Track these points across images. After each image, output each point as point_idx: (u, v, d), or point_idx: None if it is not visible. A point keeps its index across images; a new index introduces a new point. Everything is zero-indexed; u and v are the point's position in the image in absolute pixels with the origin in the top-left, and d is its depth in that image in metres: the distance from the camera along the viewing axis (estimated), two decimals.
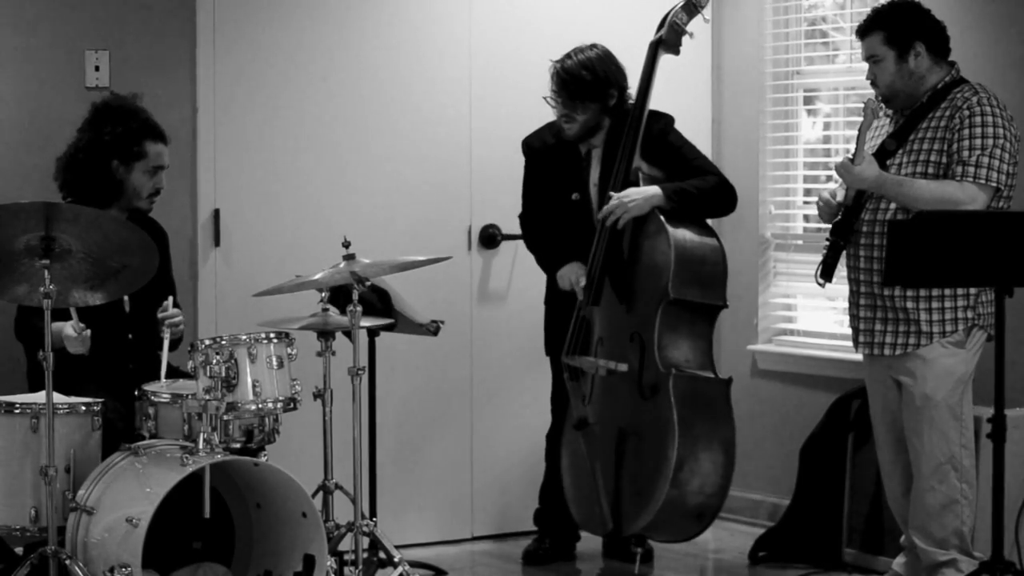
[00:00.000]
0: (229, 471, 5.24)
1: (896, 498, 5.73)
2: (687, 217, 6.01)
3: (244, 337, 5.31)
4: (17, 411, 5.16)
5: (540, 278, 6.42)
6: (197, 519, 5.11)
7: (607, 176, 6.12)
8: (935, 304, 5.45)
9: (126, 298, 5.58)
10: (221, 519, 5.36)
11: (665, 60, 6.12)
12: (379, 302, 5.95)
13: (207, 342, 5.26)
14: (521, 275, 6.81)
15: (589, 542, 6.50)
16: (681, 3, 6.12)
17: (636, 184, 6.03)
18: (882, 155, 5.52)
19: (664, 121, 6.18)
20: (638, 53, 6.15)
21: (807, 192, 6.98)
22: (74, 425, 5.20)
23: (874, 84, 5.57)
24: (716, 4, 6.98)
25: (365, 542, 5.53)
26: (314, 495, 5.42)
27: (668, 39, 6.11)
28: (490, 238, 6.80)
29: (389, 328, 5.92)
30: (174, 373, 5.53)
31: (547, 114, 6.26)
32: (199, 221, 6.35)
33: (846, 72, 6.81)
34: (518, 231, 6.54)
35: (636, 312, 5.99)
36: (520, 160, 6.40)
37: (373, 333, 6.03)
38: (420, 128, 6.68)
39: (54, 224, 4.96)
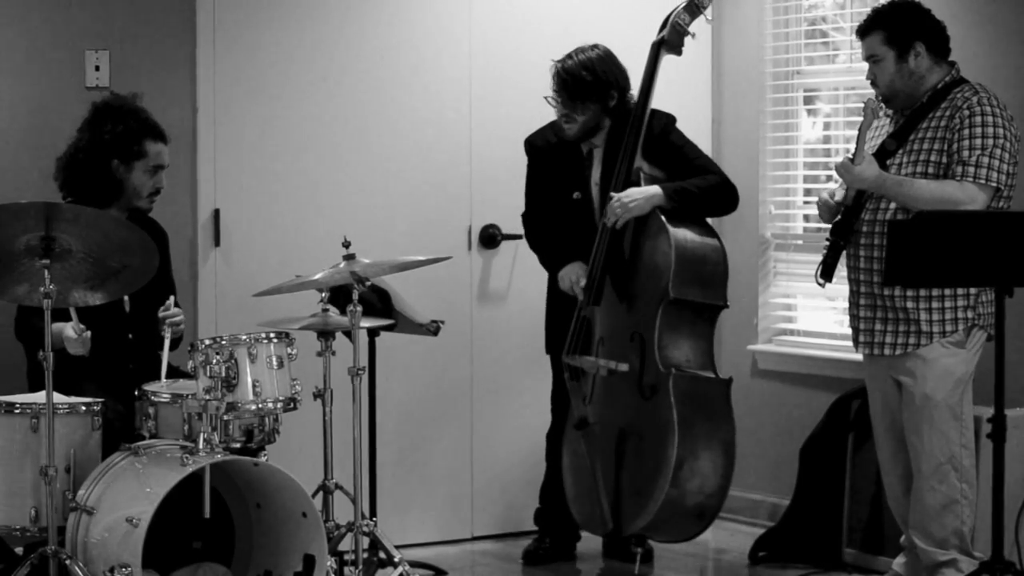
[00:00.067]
0: (229, 471, 5.24)
1: (896, 498, 5.73)
2: (688, 217, 6.01)
3: (244, 337, 5.31)
4: (17, 411, 5.16)
5: (540, 278, 6.42)
6: (197, 519, 5.11)
7: (608, 176, 6.12)
8: (935, 304, 5.45)
9: (126, 298, 5.58)
10: (221, 519, 5.36)
11: (666, 60, 6.12)
12: (379, 302, 5.95)
13: (207, 342, 5.26)
14: (521, 275, 6.81)
15: (589, 542, 6.50)
16: (683, 4, 6.12)
17: (637, 184, 6.03)
18: (882, 155, 5.52)
19: (666, 120, 6.18)
20: (639, 53, 6.15)
21: (807, 192, 6.98)
22: (74, 425, 5.20)
23: (874, 84, 5.57)
24: (716, 4, 6.96)
25: (365, 542, 5.53)
26: (314, 495, 5.42)
27: (670, 40, 6.11)
28: (490, 238, 6.80)
29: (389, 328, 5.92)
30: (174, 373, 5.53)
31: (547, 114, 6.26)
32: (199, 221, 6.34)
33: (846, 72, 6.81)
34: (518, 231, 6.54)
35: (637, 312, 5.99)
36: (520, 159, 6.40)
37: (373, 333, 6.03)
38: (420, 128, 6.68)
39: (54, 224, 4.96)
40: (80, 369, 5.43)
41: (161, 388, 5.36)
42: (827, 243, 5.61)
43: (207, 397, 5.18)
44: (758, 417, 6.96)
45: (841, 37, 6.92)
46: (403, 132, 6.65)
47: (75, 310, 5.30)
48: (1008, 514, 5.43)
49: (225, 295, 6.37)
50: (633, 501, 5.94)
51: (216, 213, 6.37)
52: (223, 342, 5.27)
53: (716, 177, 6.12)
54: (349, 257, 5.47)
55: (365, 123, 6.59)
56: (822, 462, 6.34)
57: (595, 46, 6.17)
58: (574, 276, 6.16)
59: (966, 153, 5.38)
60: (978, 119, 5.39)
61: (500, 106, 6.78)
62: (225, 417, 5.25)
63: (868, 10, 5.75)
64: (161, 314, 5.61)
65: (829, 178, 6.82)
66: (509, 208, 6.58)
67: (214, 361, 5.21)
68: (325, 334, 5.50)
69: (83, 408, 5.22)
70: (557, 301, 6.31)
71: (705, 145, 6.70)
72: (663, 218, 5.95)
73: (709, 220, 6.15)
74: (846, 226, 5.58)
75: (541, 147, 6.34)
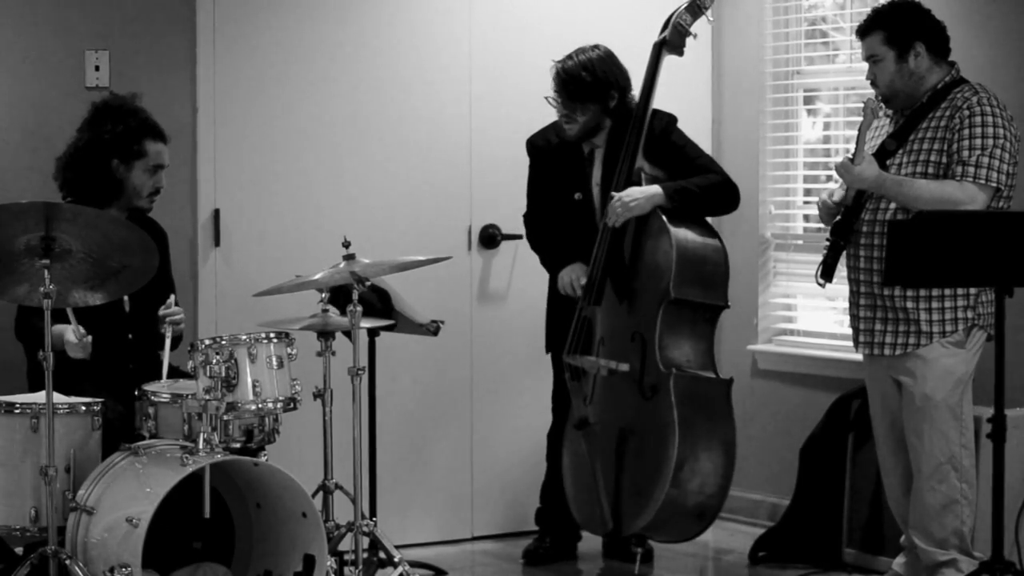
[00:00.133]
0: (229, 471, 5.24)
1: (896, 498, 5.73)
2: (689, 217, 6.01)
3: (244, 337, 5.31)
4: (17, 411, 5.16)
5: (540, 278, 6.42)
6: (197, 519, 5.11)
7: (609, 176, 6.12)
8: (935, 304, 5.45)
9: (126, 298, 5.58)
10: (221, 519, 5.36)
11: (667, 61, 6.12)
12: (379, 302, 5.95)
13: (207, 342, 5.26)
14: (521, 275, 6.81)
15: (590, 542, 6.50)
16: (685, 4, 6.12)
17: (638, 184, 6.02)
18: (882, 155, 5.52)
19: (667, 120, 6.18)
20: (639, 53, 6.15)
21: (807, 192, 6.98)
22: (74, 425, 5.20)
23: (874, 84, 5.57)
24: (716, 4, 6.96)
25: (365, 542, 5.53)
26: (314, 495, 5.42)
27: (672, 40, 6.11)
28: (490, 238, 6.80)
29: (389, 328, 5.92)
30: (174, 373, 5.53)
31: (547, 114, 6.26)
32: (199, 221, 6.35)
33: (846, 72, 6.81)
34: (518, 231, 6.54)
35: (637, 312, 5.99)
36: (520, 159, 6.40)
37: (373, 333, 6.03)
38: (420, 128, 6.68)
39: (54, 224, 4.96)
40: (80, 369, 5.42)
41: (161, 388, 5.36)
42: (827, 243, 5.62)
43: (207, 397, 5.18)
44: (758, 417, 6.96)
45: (841, 37, 6.92)
46: (403, 132, 6.65)
47: (74, 313, 5.29)
48: (1008, 514, 5.43)
49: (225, 295, 6.37)
50: (633, 501, 5.94)
51: (216, 213, 6.37)
52: (223, 342, 5.27)
53: (717, 176, 6.12)
54: (349, 257, 5.47)
55: (365, 123, 6.59)
56: (822, 462, 6.34)
57: (596, 46, 6.17)
58: (574, 276, 6.16)
59: (966, 153, 5.38)
60: (978, 119, 5.39)
61: (500, 106, 6.78)
62: (225, 417, 5.25)
63: (868, 10, 5.75)
64: (162, 312, 5.62)
65: (829, 178, 6.82)
66: (509, 208, 6.58)
67: (214, 361, 5.21)
68: (325, 334, 5.50)
69: (83, 408, 5.22)
70: (558, 301, 6.30)
71: (705, 145, 6.69)
72: (664, 218, 5.95)
73: (709, 220, 6.15)
74: (846, 226, 5.58)
75: (542, 147, 6.34)
